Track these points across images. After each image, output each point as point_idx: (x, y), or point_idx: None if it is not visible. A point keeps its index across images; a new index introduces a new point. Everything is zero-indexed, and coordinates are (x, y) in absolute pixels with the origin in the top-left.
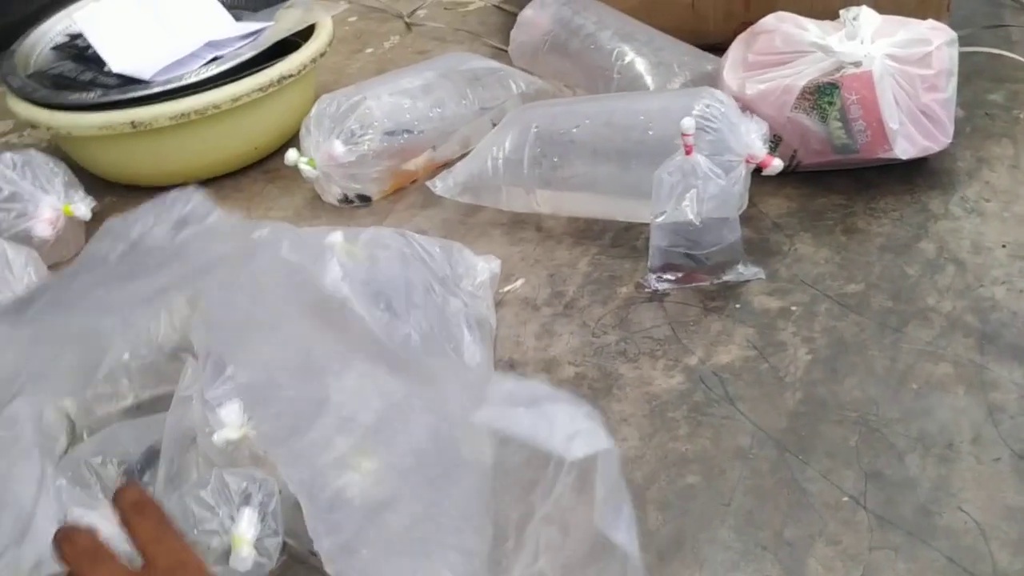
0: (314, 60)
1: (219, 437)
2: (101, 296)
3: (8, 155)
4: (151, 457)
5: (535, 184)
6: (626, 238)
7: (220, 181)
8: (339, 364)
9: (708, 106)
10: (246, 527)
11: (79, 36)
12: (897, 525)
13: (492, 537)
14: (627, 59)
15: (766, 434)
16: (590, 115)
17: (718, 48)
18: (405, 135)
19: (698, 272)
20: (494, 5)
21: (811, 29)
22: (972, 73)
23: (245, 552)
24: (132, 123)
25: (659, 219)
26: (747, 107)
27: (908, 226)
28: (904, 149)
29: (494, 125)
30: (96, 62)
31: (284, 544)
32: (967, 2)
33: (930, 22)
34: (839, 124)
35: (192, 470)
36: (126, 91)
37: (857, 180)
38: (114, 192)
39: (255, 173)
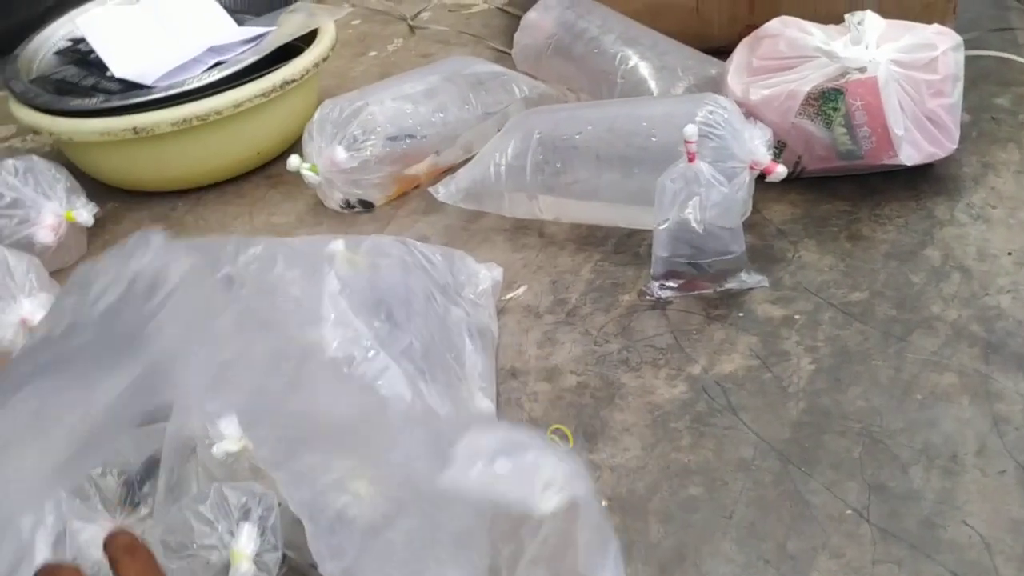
0: (317, 65)
1: (219, 449)
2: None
3: (10, 161)
4: (151, 467)
5: (537, 190)
6: (629, 244)
7: (222, 186)
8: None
9: (711, 112)
10: (245, 542)
11: (82, 41)
12: (901, 538)
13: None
14: (631, 63)
15: (769, 445)
16: (593, 121)
17: (722, 52)
18: (408, 140)
19: (701, 280)
20: (498, 8)
21: (816, 34)
22: (978, 77)
23: (244, 567)
24: (134, 129)
25: (662, 227)
26: (751, 112)
27: (913, 233)
28: (909, 155)
29: (499, 130)
30: (98, 67)
31: (284, 556)
32: (973, 5)
33: (935, 26)
34: (844, 130)
35: (192, 480)
36: (128, 96)
37: (862, 186)
38: (116, 198)
39: (257, 178)
